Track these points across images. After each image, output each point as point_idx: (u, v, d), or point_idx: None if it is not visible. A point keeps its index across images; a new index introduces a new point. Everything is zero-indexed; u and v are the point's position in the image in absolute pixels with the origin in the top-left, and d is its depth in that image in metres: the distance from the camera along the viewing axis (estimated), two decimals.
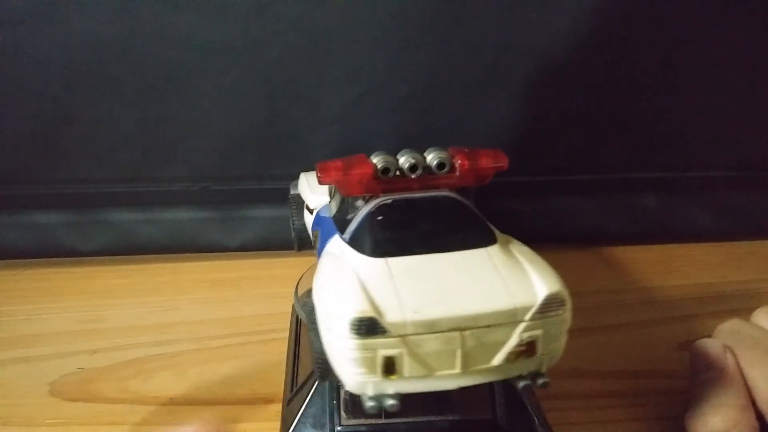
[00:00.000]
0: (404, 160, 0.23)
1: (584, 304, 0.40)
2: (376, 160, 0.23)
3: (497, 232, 0.23)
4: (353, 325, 0.19)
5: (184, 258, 0.44)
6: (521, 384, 0.20)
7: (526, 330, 0.19)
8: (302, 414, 0.26)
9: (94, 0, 0.35)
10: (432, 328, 0.19)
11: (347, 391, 0.26)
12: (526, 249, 0.22)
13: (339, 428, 0.25)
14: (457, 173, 0.23)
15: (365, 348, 0.19)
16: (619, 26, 0.38)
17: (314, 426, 0.26)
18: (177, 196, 0.43)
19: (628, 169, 0.44)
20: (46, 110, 0.38)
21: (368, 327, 0.19)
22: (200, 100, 0.39)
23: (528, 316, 0.19)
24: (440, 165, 0.23)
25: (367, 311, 0.19)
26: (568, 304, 0.19)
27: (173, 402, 0.32)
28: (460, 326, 0.19)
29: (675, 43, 0.39)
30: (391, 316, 0.19)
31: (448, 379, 0.20)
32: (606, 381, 0.34)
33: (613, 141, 0.43)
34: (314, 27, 0.37)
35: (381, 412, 0.22)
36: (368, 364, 0.19)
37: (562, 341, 0.20)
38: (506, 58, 0.39)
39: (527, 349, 0.19)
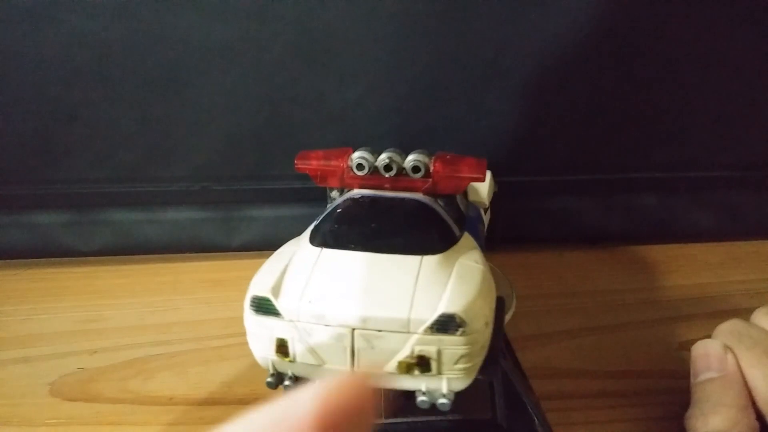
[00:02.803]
0: (381, 159, 0.24)
1: (584, 304, 0.40)
2: (356, 155, 0.24)
3: (461, 244, 0.22)
4: (252, 302, 0.20)
5: (184, 258, 0.44)
6: (418, 399, 0.20)
7: (418, 343, 0.19)
8: None
9: (94, 0, 0.35)
10: (321, 320, 0.19)
11: None
12: (473, 267, 0.21)
13: None
14: (431, 178, 0.23)
15: (259, 325, 0.20)
16: (619, 26, 0.38)
17: None
18: (177, 196, 0.43)
19: (628, 169, 0.44)
20: (46, 110, 0.38)
21: (262, 306, 0.20)
22: (200, 100, 0.39)
23: (420, 330, 0.19)
24: (415, 168, 0.23)
25: (265, 292, 0.20)
26: (468, 328, 0.19)
27: (173, 402, 0.32)
28: (350, 325, 0.19)
29: (675, 42, 0.39)
30: (286, 300, 0.20)
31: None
32: (606, 381, 0.34)
33: (613, 141, 0.43)
34: (314, 27, 0.37)
35: (380, 412, 0.22)
36: (264, 341, 0.20)
37: (467, 365, 0.19)
38: (506, 58, 0.39)
39: (419, 362, 0.19)
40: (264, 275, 0.21)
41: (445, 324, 0.19)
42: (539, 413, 0.27)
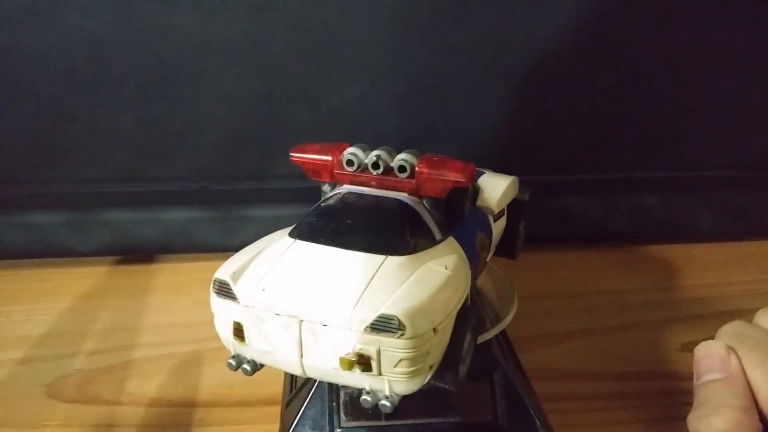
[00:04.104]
0: (370, 157, 0.24)
1: (585, 305, 0.40)
2: (347, 151, 0.24)
3: (439, 248, 0.22)
4: (213, 284, 0.21)
5: (184, 258, 0.44)
6: (361, 398, 0.20)
7: (359, 342, 0.19)
8: (301, 416, 0.26)
9: (93, 0, 0.35)
10: (272, 308, 0.20)
11: (347, 393, 0.26)
12: (437, 272, 0.21)
13: (338, 430, 0.25)
14: (415, 180, 0.23)
15: (219, 306, 0.21)
16: (620, 26, 0.38)
17: (313, 428, 0.26)
18: (176, 196, 0.43)
19: (630, 169, 0.44)
20: (45, 110, 0.38)
21: (222, 289, 0.21)
22: (200, 100, 0.39)
23: (361, 328, 0.19)
24: (401, 168, 0.23)
25: (225, 276, 0.21)
26: (409, 332, 0.18)
27: (172, 403, 0.32)
28: (297, 316, 0.20)
29: (675, 43, 0.39)
30: (243, 286, 0.21)
31: (292, 364, 0.20)
32: (608, 382, 0.33)
33: (614, 141, 0.43)
34: (314, 26, 0.37)
35: (381, 413, 0.22)
36: (223, 322, 0.21)
37: (409, 369, 0.19)
38: (506, 58, 0.38)
39: (360, 360, 0.19)
40: (232, 260, 0.22)
41: (384, 325, 0.18)
42: (540, 415, 0.27)
